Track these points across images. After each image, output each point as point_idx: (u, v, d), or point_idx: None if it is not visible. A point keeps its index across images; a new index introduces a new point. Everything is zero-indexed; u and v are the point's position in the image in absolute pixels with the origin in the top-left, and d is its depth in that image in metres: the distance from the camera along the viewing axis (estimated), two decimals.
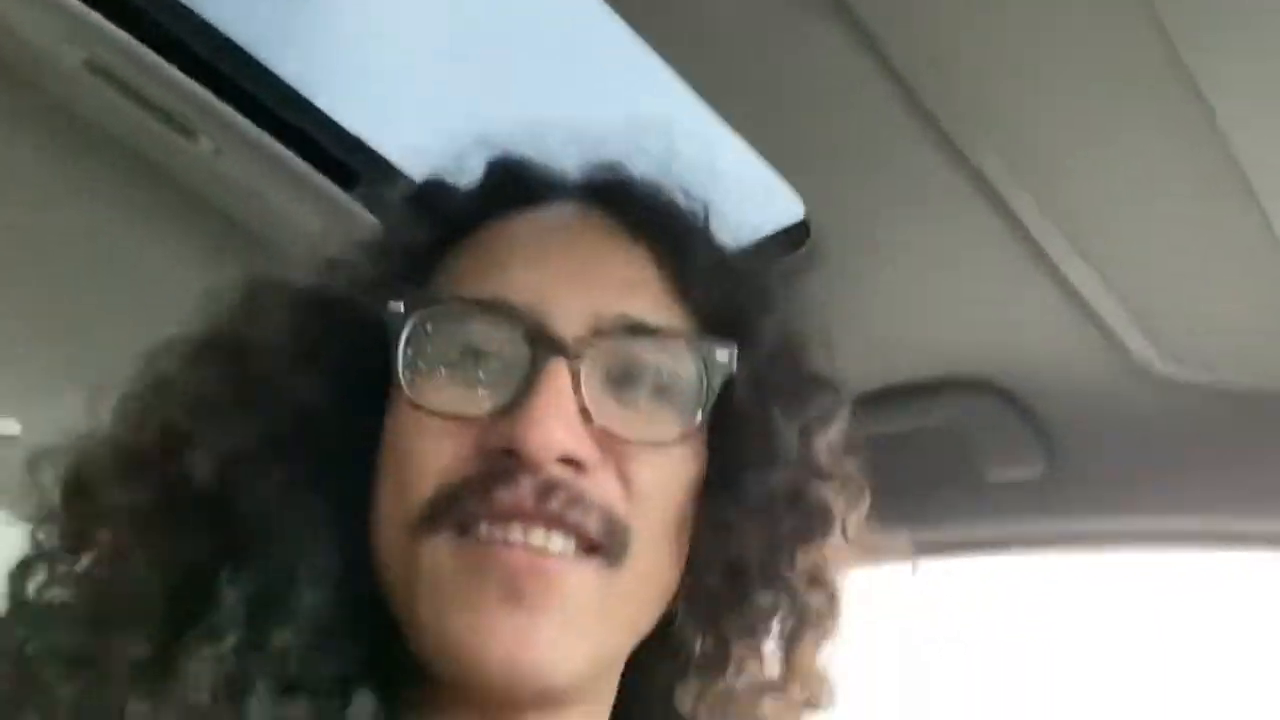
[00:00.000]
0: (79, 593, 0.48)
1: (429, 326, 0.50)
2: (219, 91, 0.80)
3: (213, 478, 0.49)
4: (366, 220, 0.83)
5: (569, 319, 0.50)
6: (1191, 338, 0.75)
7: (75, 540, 0.50)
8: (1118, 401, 0.79)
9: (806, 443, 0.54)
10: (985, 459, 0.85)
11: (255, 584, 0.47)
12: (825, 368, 0.56)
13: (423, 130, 0.91)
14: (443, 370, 0.50)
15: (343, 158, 0.84)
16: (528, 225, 0.56)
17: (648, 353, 0.51)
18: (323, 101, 0.85)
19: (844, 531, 0.54)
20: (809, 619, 0.54)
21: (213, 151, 0.82)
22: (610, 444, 0.49)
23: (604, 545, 0.48)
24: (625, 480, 0.49)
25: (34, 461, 0.51)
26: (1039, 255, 0.72)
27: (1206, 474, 0.78)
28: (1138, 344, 0.75)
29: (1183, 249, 0.70)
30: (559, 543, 0.47)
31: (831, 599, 0.54)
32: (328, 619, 0.48)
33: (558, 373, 0.48)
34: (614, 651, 0.51)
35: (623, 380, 0.51)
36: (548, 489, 0.47)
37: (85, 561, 0.49)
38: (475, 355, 0.50)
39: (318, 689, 0.47)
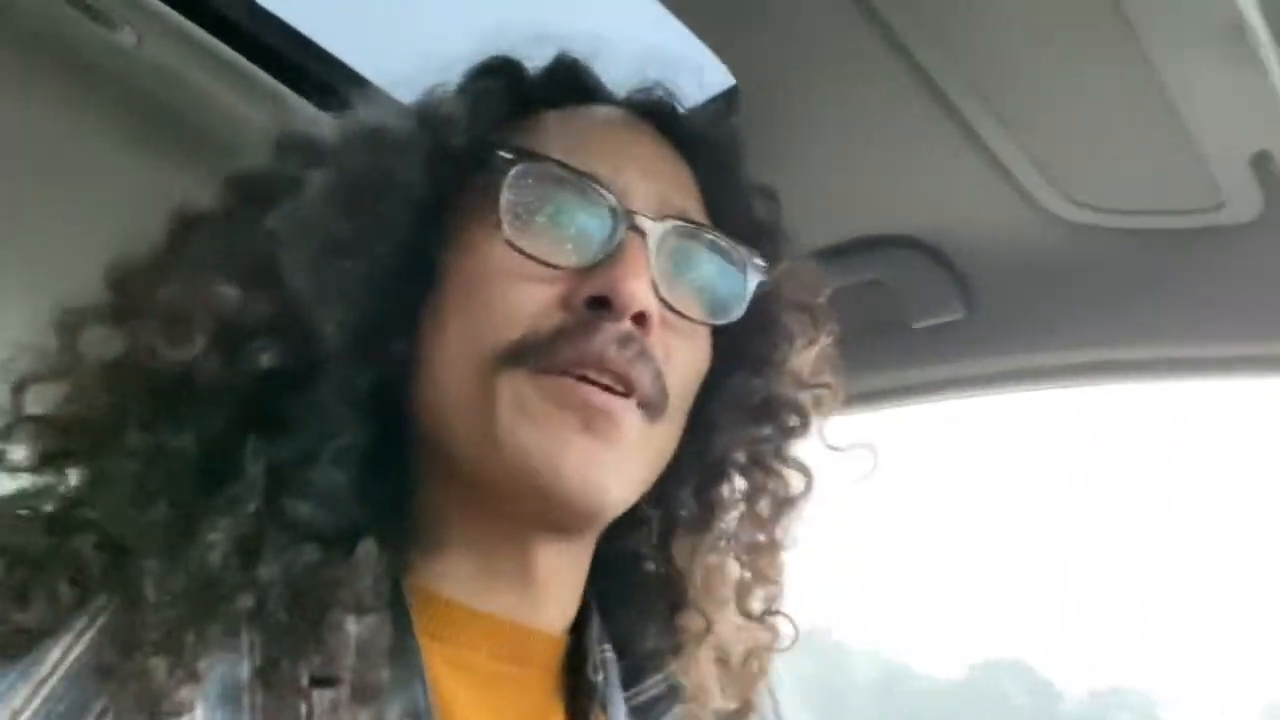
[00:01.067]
0: (116, 465, 0.49)
1: (530, 180, 0.55)
2: None
3: (286, 354, 0.51)
4: (291, 100, 0.83)
5: (643, 201, 0.56)
6: (1090, 185, 0.80)
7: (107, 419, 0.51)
8: (1027, 247, 0.84)
9: (797, 357, 0.62)
10: (909, 309, 0.90)
11: (280, 457, 0.50)
12: (818, 297, 0.65)
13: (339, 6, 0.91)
14: (537, 221, 0.54)
15: (265, 39, 0.83)
16: (595, 117, 0.62)
17: (701, 247, 0.58)
18: None
19: (820, 430, 0.64)
20: (788, 498, 0.62)
21: (134, 41, 0.81)
22: (662, 317, 0.55)
23: (651, 402, 0.54)
24: (666, 351, 0.56)
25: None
26: (955, 117, 0.76)
27: (1108, 309, 0.85)
28: (1044, 193, 0.80)
29: (1082, 103, 0.74)
30: (620, 392, 0.53)
31: (808, 480, 0.63)
32: (345, 491, 0.51)
33: (636, 244, 0.54)
34: (639, 494, 0.57)
35: (678, 265, 0.57)
36: (626, 339, 0.53)
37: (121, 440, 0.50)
38: (563, 215, 0.55)
39: (325, 539, 0.50)
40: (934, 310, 0.90)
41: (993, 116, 0.76)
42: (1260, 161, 0.74)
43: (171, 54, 0.81)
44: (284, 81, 0.85)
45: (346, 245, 0.53)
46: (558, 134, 0.58)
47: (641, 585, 0.63)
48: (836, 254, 0.88)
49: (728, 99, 0.82)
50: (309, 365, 0.51)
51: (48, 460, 0.51)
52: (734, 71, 0.79)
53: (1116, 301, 0.84)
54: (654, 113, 0.63)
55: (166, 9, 0.78)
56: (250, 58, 0.84)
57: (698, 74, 0.77)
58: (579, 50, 0.64)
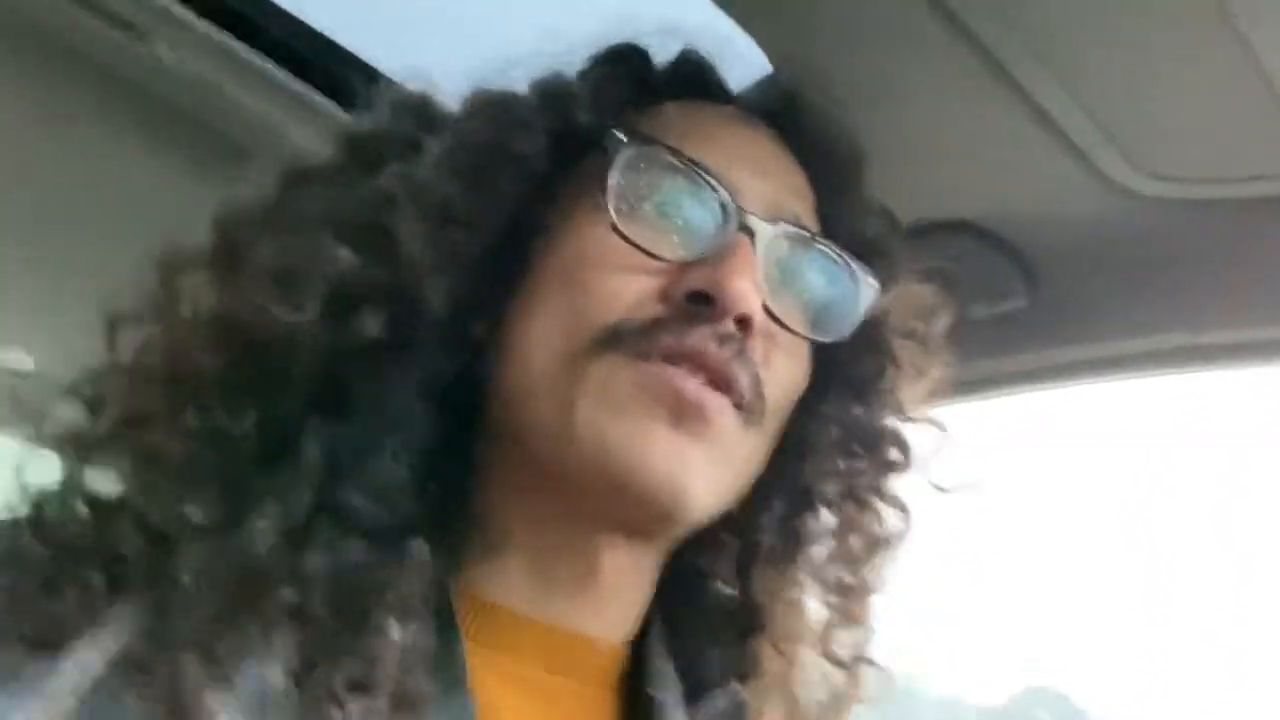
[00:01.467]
0: (169, 443, 0.47)
1: (641, 164, 0.53)
2: None
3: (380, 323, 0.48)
4: (327, 108, 0.82)
5: (755, 200, 0.53)
6: (1167, 153, 0.74)
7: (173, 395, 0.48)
8: (1096, 224, 0.77)
9: (904, 388, 0.59)
10: (967, 298, 0.84)
11: (340, 443, 0.48)
12: (932, 326, 0.61)
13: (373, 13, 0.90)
14: (644, 209, 0.52)
15: (295, 46, 0.83)
16: (715, 114, 0.59)
17: (812, 257, 0.55)
18: None
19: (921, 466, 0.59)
20: (884, 538, 0.58)
21: (161, 49, 0.81)
22: (764, 326, 0.52)
23: (748, 404, 0.51)
24: (765, 359, 0.52)
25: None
26: (1012, 85, 0.71)
27: (1189, 288, 0.78)
28: (1114, 166, 0.74)
29: (1152, 62, 0.68)
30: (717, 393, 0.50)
31: (907, 519, 0.59)
32: (403, 486, 0.49)
33: (745, 244, 0.52)
34: (726, 503, 0.53)
35: (785, 273, 0.54)
36: (725, 337, 0.50)
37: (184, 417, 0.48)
38: (671, 205, 0.53)
39: (376, 536, 0.48)
40: (994, 299, 0.84)
41: (1056, 83, 0.70)
42: None
43: (196, 60, 0.81)
44: (311, 84, 0.84)
45: (461, 215, 0.51)
46: (674, 124, 0.56)
47: (708, 608, 0.59)
48: None
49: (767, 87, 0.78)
50: (399, 341, 0.49)
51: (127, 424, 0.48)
52: (765, 49, 0.75)
53: (1200, 280, 0.77)
54: (772, 113, 0.60)
55: (190, 15, 0.78)
56: (277, 61, 0.83)
57: (729, 57, 0.74)
58: (701, 46, 0.62)
